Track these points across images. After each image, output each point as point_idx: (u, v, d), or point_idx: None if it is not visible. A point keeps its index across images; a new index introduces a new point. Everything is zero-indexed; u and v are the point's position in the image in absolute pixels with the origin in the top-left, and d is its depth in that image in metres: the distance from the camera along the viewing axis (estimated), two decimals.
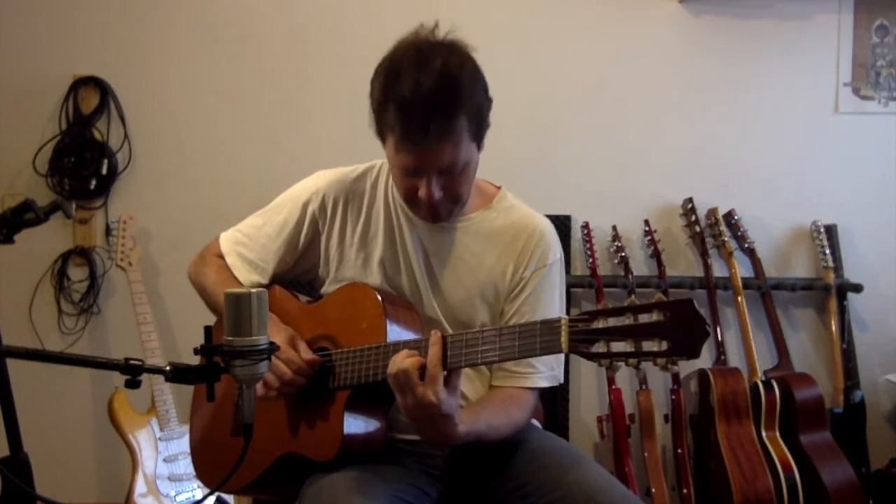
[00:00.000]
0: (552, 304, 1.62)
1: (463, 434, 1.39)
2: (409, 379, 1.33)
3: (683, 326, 1.15)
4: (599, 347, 1.21)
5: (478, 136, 1.50)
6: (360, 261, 1.63)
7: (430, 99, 1.39)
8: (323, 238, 1.67)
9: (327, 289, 1.67)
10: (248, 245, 1.71)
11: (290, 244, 1.68)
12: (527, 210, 1.67)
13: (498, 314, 1.61)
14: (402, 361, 1.35)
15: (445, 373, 1.34)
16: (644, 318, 1.17)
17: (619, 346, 1.20)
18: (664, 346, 1.16)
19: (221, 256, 1.74)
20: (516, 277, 1.60)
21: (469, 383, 1.60)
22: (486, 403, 1.56)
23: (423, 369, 1.34)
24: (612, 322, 1.20)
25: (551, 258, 1.62)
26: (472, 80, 1.46)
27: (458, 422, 1.37)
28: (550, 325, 1.28)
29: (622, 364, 1.20)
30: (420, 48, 1.44)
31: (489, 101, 1.51)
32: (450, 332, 1.56)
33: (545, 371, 1.59)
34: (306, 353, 1.51)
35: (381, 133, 1.51)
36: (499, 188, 1.70)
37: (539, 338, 1.29)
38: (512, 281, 1.60)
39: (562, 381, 1.64)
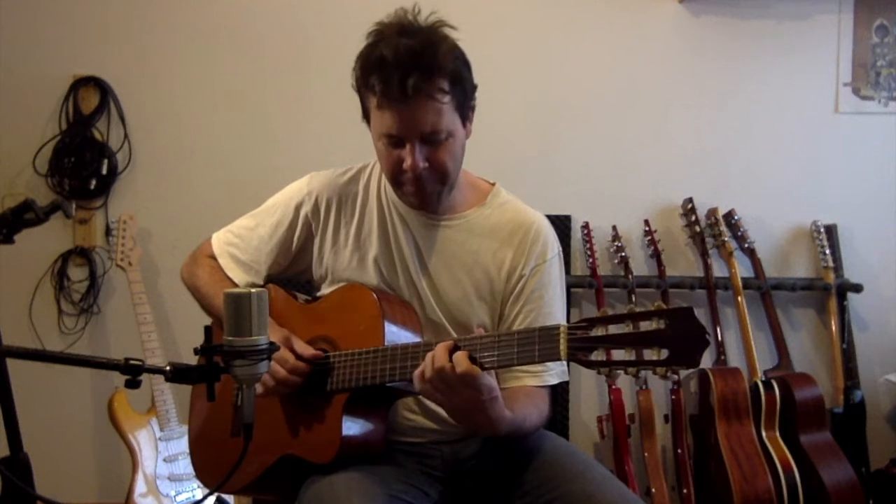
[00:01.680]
0: (555, 302, 1.61)
1: (509, 419, 1.38)
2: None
3: (683, 335, 1.14)
4: (598, 355, 1.21)
5: (462, 109, 1.50)
6: (355, 261, 1.62)
7: (410, 55, 1.41)
8: (316, 240, 1.66)
9: (324, 290, 1.66)
10: (241, 246, 1.71)
11: (284, 246, 1.68)
12: (521, 206, 1.66)
13: (497, 313, 1.60)
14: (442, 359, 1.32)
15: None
16: (643, 326, 1.17)
17: (618, 354, 1.19)
18: (664, 354, 1.15)
19: (213, 257, 1.73)
20: (515, 276, 1.59)
21: None
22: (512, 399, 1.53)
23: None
24: (611, 330, 1.20)
25: (550, 253, 1.61)
26: (452, 49, 1.47)
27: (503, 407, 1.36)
28: (549, 333, 1.27)
29: (621, 372, 1.20)
30: (403, 24, 1.46)
31: (473, 83, 1.52)
32: (450, 330, 1.56)
33: (556, 368, 1.58)
34: (304, 350, 1.50)
35: (366, 106, 1.51)
36: (493, 185, 1.69)
37: (538, 345, 1.28)
38: (510, 280, 1.59)
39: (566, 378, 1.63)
